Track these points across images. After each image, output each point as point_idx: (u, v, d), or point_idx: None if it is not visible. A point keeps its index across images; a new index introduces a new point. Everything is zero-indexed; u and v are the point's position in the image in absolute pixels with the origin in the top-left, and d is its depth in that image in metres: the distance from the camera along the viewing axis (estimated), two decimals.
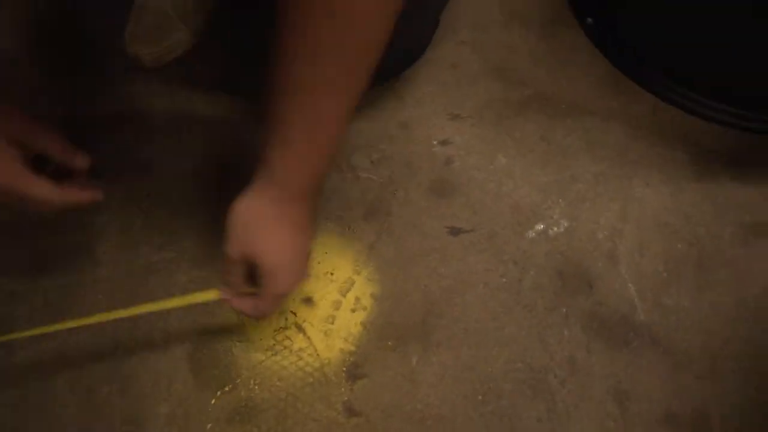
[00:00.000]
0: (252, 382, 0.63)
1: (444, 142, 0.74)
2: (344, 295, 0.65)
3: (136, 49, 0.68)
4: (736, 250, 0.68)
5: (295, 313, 0.65)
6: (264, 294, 0.52)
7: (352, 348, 0.64)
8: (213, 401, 0.63)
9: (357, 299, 0.65)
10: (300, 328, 0.65)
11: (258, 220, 0.50)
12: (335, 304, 0.65)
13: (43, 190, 0.53)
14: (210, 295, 0.56)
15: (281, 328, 0.65)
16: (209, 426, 0.62)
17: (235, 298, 0.55)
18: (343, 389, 0.62)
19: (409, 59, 0.72)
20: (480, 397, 0.61)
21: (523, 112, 0.76)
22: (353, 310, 0.65)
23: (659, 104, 0.77)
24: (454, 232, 0.67)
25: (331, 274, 0.66)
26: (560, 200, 0.70)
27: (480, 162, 0.73)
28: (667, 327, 0.64)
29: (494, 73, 0.79)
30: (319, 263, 0.67)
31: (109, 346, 0.65)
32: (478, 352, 0.63)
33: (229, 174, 0.65)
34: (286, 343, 0.64)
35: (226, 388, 0.63)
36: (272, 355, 0.64)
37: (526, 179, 0.72)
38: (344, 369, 0.63)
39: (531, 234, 0.68)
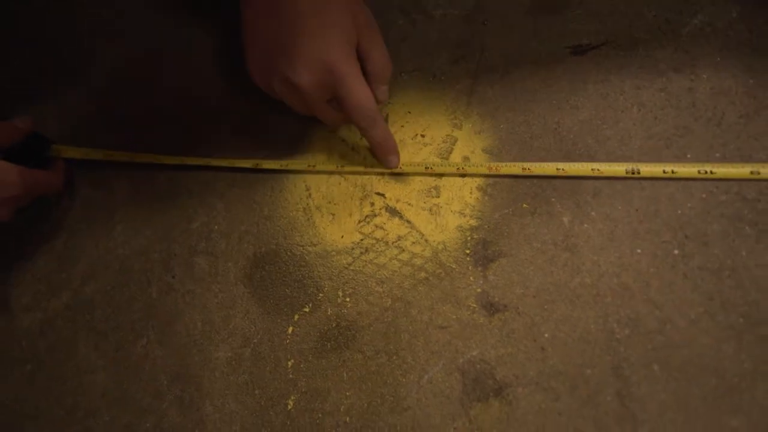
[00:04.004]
0: (340, 294, 0.44)
1: None
2: (446, 158, 0.47)
3: None
4: None
5: (383, 194, 0.47)
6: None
7: (473, 222, 0.45)
8: (290, 330, 0.44)
9: (465, 159, 0.46)
10: (394, 211, 0.46)
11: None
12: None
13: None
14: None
15: (367, 216, 0.46)
16: (291, 363, 0.43)
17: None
18: (472, 278, 0.43)
19: None
20: (676, 252, 0.41)
21: None
22: (462, 175, 0.46)
23: None
24: (579, 50, 0.48)
25: (422, 136, 0.48)
26: None
27: None
28: None
29: None
30: (402, 127, 0.49)
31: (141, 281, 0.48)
32: (653, 192, 0.43)
33: None
34: (378, 234, 0.46)
35: (306, 309, 0.45)
36: (361, 253, 0.45)
37: None
38: (468, 252, 0.44)
39: (691, 26, 0.47)
